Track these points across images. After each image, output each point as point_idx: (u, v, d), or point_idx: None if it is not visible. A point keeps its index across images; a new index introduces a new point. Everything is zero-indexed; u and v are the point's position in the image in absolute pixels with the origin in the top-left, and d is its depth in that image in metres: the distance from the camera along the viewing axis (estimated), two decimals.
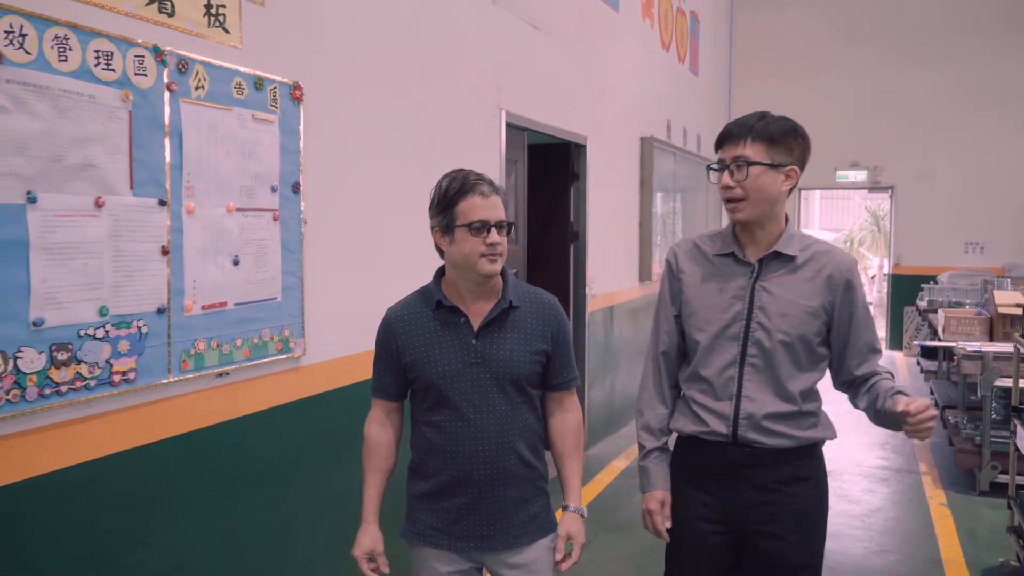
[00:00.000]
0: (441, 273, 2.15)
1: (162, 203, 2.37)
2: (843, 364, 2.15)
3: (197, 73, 2.48)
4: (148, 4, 2.33)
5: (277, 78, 2.81)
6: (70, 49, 2.09)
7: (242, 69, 2.66)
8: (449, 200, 2.02)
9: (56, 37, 2.05)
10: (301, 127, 2.92)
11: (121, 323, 2.25)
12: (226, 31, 2.61)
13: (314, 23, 3.03)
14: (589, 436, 6.12)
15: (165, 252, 2.39)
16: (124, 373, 2.26)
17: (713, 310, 2.14)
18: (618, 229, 6.73)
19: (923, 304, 8.57)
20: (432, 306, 2.09)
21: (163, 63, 2.36)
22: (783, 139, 2.05)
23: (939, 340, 6.66)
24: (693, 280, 2.19)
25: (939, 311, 6.82)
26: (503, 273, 2.12)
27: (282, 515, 2.92)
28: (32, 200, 2.00)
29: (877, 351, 2.16)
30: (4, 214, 1.94)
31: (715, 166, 2.12)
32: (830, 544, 2.66)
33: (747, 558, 2.14)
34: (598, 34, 6.17)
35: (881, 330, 12.34)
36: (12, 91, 1.95)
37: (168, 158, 2.39)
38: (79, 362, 2.13)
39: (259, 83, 2.73)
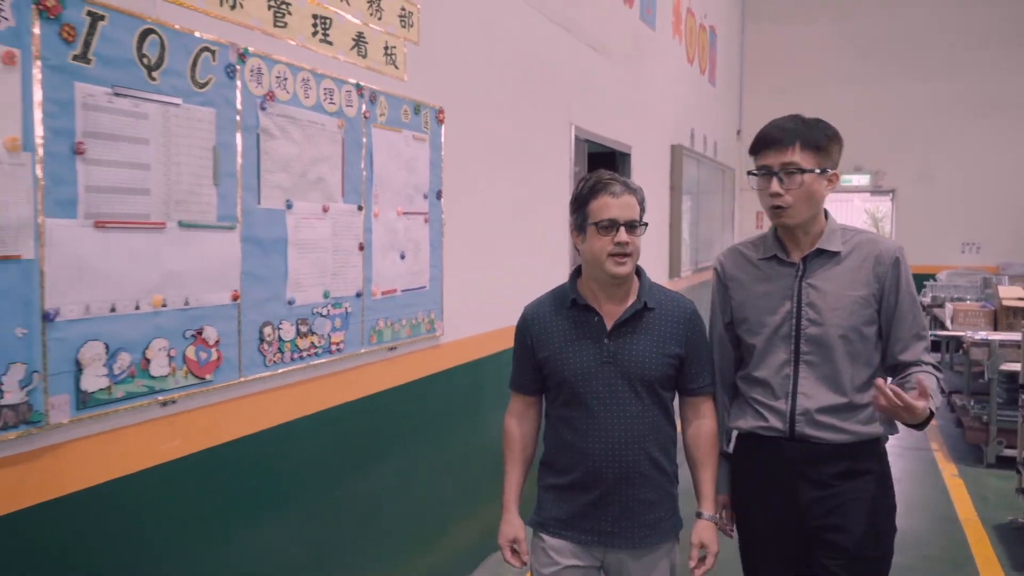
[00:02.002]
0: (577, 273, 2.19)
1: (360, 208, 2.96)
2: (888, 348, 2.15)
3: (381, 103, 3.07)
4: (352, 49, 2.91)
5: (429, 104, 3.40)
6: (311, 88, 2.67)
7: (408, 97, 3.24)
8: (583, 199, 2.08)
9: (303, 80, 2.64)
10: (443, 144, 3.51)
11: (336, 304, 2.83)
12: (396, 67, 3.19)
13: (451, 57, 3.62)
14: None
15: (361, 248, 2.97)
16: (338, 344, 2.85)
17: (764, 313, 2.16)
18: (653, 230, 7.34)
19: (927, 300, 9.24)
20: (567, 304, 2.14)
21: (362, 96, 2.95)
22: (828, 144, 2.08)
23: (947, 331, 7.30)
24: (741, 286, 2.22)
25: (947, 304, 7.48)
26: (639, 273, 2.15)
27: (425, 463, 3.51)
28: (289, 207, 2.59)
29: (922, 337, 2.15)
30: (273, 217, 2.53)
31: (758, 172, 2.12)
32: None
33: (816, 552, 2.15)
34: (641, 52, 6.78)
35: None
36: (280, 123, 2.54)
37: (364, 172, 2.98)
38: (313, 334, 2.72)
39: (417, 109, 3.32)
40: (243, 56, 2.37)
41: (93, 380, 1.94)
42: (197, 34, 2.20)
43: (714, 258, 2.29)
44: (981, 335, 6.14)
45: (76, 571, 1.93)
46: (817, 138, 2.06)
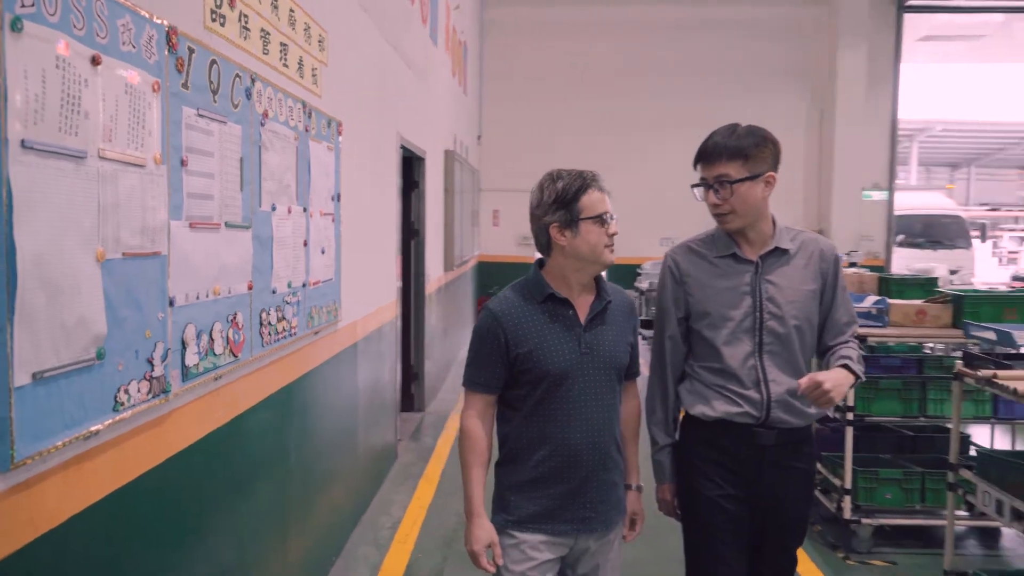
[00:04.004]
0: (538, 268, 2.22)
1: (305, 210, 3.39)
2: (824, 335, 2.33)
3: (314, 118, 3.51)
4: (297, 70, 3.33)
5: (335, 118, 3.87)
6: (282, 106, 3.08)
7: (324, 112, 3.70)
8: (572, 196, 2.10)
9: (279, 99, 3.05)
10: (341, 153, 3.99)
11: (294, 293, 3.26)
12: (317, 86, 3.63)
13: (342, 77, 4.09)
14: (427, 394, 7.47)
15: (305, 244, 3.41)
16: (295, 328, 3.27)
17: (726, 308, 2.27)
18: (435, 229, 8.11)
19: (644, 286, 11.05)
20: (539, 299, 2.16)
21: (305, 113, 3.38)
22: (756, 151, 2.20)
23: None
24: (699, 283, 2.33)
25: None
26: None
27: (356, 417, 4.00)
28: (274, 209, 3.00)
29: (853, 322, 2.36)
30: (266, 219, 2.93)
31: (698, 184, 2.31)
32: None
33: (764, 528, 2.31)
34: (430, 67, 7.50)
35: None
36: (269, 137, 2.94)
37: (306, 179, 3.41)
38: (284, 319, 3.13)
39: (329, 123, 3.78)
40: (253, 80, 2.76)
41: (192, 357, 2.30)
42: (232, 61, 2.58)
43: (654, 260, 2.68)
44: None
45: (200, 490, 2.29)
46: (744, 148, 2.20)
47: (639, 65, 13.52)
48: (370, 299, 4.79)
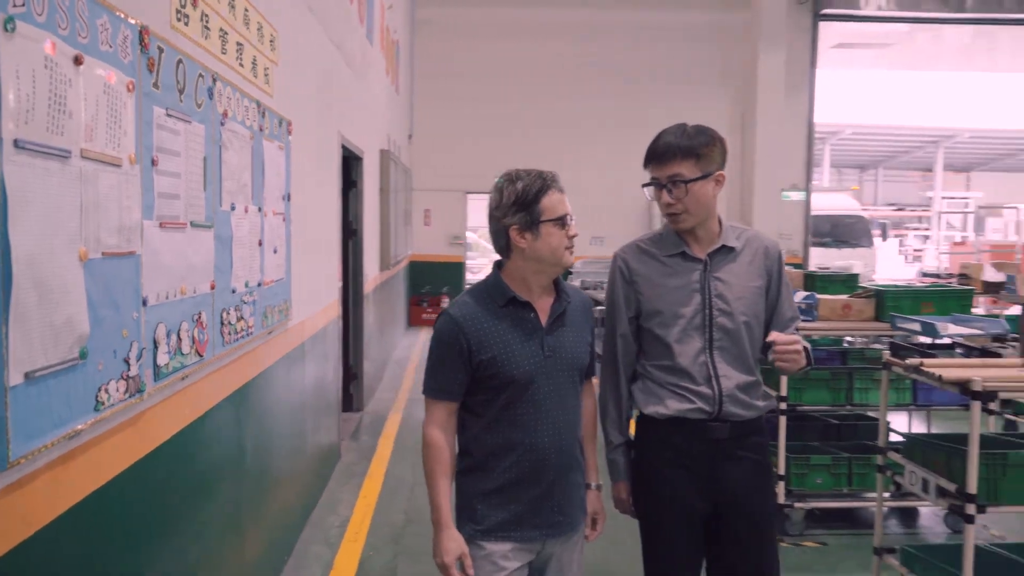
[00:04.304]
0: (497, 271, 2.19)
1: (260, 210, 3.39)
2: (769, 332, 2.32)
3: (267, 117, 3.51)
4: (251, 70, 3.33)
5: (286, 117, 3.87)
6: (239, 106, 3.09)
7: (276, 111, 3.69)
8: (532, 198, 2.06)
9: (237, 99, 3.05)
10: (291, 152, 3.99)
11: (252, 292, 3.26)
12: (269, 85, 3.63)
13: (291, 76, 4.09)
14: (366, 393, 7.46)
15: (260, 244, 3.41)
16: (251, 327, 3.27)
17: (677, 305, 2.29)
18: (372, 228, 8.10)
19: (576, 284, 11.25)
20: (500, 303, 2.12)
21: (259, 112, 3.38)
22: (707, 150, 2.22)
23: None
24: (650, 282, 2.34)
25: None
26: None
27: (308, 412, 4.00)
28: (233, 208, 3.00)
29: (796, 318, 2.42)
30: (224, 218, 2.92)
31: (650, 184, 2.29)
32: None
33: (718, 524, 2.32)
34: (367, 66, 7.49)
35: None
36: (229, 137, 2.94)
37: (260, 179, 3.41)
38: (242, 319, 3.13)
39: (280, 122, 3.78)
40: (215, 79, 2.76)
41: (163, 356, 2.30)
42: (196, 61, 2.59)
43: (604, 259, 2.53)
44: None
45: (167, 491, 2.29)
46: (696, 147, 2.22)
47: (570, 67, 13.73)
48: (316, 299, 4.79)
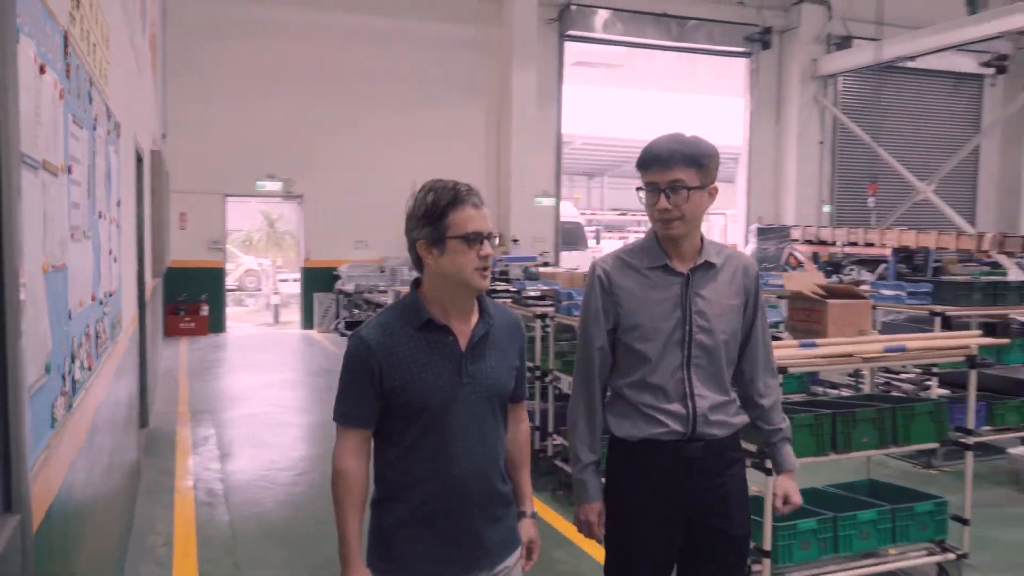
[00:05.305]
0: (415, 289, 2.05)
1: (106, 217, 3.25)
2: (744, 353, 2.34)
3: (111, 121, 3.35)
4: (102, 77, 3.18)
5: (118, 120, 3.69)
6: (100, 111, 2.96)
7: (113, 114, 3.53)
8: (440, 211, 1.93)
9: (99, 105, 2.92)
10: (121, 155, 3.81)
11: (106, 302, 3.13)
12: (107, 84, 3.46)
13: (117, 81, 3.89)
14: (148, 409, 7.04)
15: (111, 253, 3.26)
16: (107, 338, 3.14)
17: (658, 320, 2.22)
18: (148, 233, 7.64)
19: (350, 287, 11.30)
20: (416, 325, 1.98)
21: (108, 118, 3.24)
22: (708, 161, 2.18)
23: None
24: (631, 295, 2.26)
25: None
26: None
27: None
28: (100, 216, 2.88)
29: (775, 372, 2.42)
30: (95, 226, 2.81)
31: (647, 188, 2.21)
32: None
33: (694, 541, 2.27)
34: (143, 60, 7.06)
35: (295, 313, 14.89)
36: (100, 144, 2.82)
37: (110, 184, 3.27)
38: (104, 330, 3.01)
39: (116, 126, 3.61)
40: (91, 82, 2.67)
41: (78, 371, 2.23)
42: (84, 64, 2.49)
43: (593, 265, 2.35)
44: None
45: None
46: (698, 156, 2.17)
47: (334, 72, 13.70)
48: (127, 308, 4.55)
